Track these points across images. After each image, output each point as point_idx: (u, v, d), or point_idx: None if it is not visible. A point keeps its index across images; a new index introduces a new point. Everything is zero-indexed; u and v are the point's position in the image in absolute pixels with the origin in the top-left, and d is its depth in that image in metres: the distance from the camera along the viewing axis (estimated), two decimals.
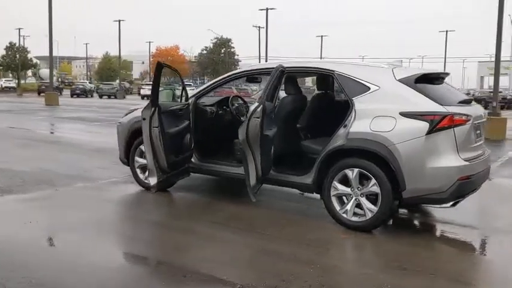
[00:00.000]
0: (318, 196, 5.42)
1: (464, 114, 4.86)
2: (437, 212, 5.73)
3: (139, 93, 49.76)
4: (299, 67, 5.59)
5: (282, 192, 6.43)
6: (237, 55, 74.09)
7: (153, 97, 5.39)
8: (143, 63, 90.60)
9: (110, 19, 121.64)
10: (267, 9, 52.39)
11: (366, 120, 4.96)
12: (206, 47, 74.33)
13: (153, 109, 5.37)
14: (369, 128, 4.91)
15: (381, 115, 4.91)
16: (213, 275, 3.79)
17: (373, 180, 4.88)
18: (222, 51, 72.43)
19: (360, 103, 5.06)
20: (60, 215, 5.42)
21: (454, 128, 4.76)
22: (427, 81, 5.14)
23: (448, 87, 5.45)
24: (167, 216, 5.60)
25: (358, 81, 5.16)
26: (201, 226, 5.08)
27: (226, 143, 6.32)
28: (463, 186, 4.79)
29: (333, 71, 5.38)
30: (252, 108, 4.83)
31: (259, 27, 64.52)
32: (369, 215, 4.94)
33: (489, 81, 72.14)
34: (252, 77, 6.39)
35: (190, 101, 6.16)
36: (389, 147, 4.77)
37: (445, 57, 59.23)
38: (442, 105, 4.83)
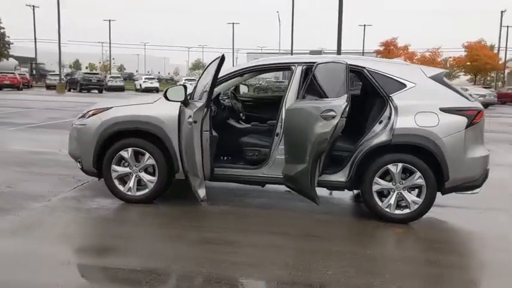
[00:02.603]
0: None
1: (483, 109, 5.43)
2: None
3: None
4: (328, 62, 5.39)
5: (269, 191, 6.20)
6: (8, 36, 65.24)
7: (209, 97, 4.55)
8: None
9: None
10: None
11: (410, 116, 5.12)
12: None
13: (205, 110, 4.55)
14: (415, 124, 5.08)
15: (423, 111, 5.13)
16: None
17: (418, 174, 5.09)
18: None
19: (399, 100, 5.18)
20: (85, 249, 4.23)
21: (481, 122, 5.29)
22: None
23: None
24: (199, 230, 4.81)
25: (393, 78, 5.28)
26: (256, 237, 4.60)
27: (230, 144, 5.74)
28: (487, 174, 5.37)
29: (363, 67, 5.37)
30: (343, 107, 4.51)
31: (33, 6, 58.53)
32: (414, 207, 5.15)
33: None
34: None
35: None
36: (436, 142, 5.04)
37: (232, 49, 62.76)
38: (469, 100, 5.32)
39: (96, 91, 39.41)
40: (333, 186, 5.46)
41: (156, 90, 43.54)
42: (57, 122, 14.13)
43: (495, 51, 56.91)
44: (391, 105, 5.19)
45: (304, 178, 4.87)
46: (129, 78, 70.74)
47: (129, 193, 5.55)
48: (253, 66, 5.67)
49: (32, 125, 13.11)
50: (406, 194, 5.17)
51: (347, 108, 4.53)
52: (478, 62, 51.83)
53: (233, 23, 62.29)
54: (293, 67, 5.50)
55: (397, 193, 5.17)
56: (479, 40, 54.67)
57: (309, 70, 5.42)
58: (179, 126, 5.32)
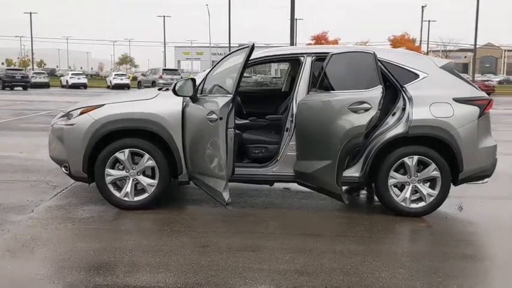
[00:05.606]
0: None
1: (492, 99, 5.41)
2: None
3: None
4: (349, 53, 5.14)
5: (265, 190, 5.91)
6: None
7: (235, 91, 4.13)
8: None
9: None
10: None
11: (425, 107, 4.99)
12: None
13: (231, 105, 4.13)
14: (431, 115, 4.97)
15: (437, 101, 5.03)
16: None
17: (433, 166, 4.99)
18: None
19: (413, 90, 5.04)
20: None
21: (489, 112, 5.28)
22: None
23: None
24: (222, 236, 4.37)
25: (405, 68, 5.13)
26: (287, 240, 4.27)
27: None
28: (495, 164, 5.37)
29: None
30: (379, 98, 4.27)
31: None
32: (429, 199, 5.05)
33: (192, 65, 78.59)
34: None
35: None
36: (452, 132, 4.95)
37: (164, 43, 61.20)
38: (478, 90, 5.29)
39: (21, 88, 36.84)
40: (346, 182, 5.23)
41: (127, 87, 41.69)
42: None
43: (417, 44, 59.69)
44: (405, 96, 5.04)
45: (328, 175, 4.61)
46: (52, 74, 67.27)
47: (126, 199, 5.03)
48: (259, 58, 5.28)
49: None
50: (421, 186, 5.05)
51: (382, 100, 4.32)
52: None
53: (164, 16, 60.64)
54: (302, 58, 5.22)
55: (412, 186, 5.06)
56: (403, 34, 57.12)
57: (318, 61, 5.17)
58: (183, 123, 4.89)
